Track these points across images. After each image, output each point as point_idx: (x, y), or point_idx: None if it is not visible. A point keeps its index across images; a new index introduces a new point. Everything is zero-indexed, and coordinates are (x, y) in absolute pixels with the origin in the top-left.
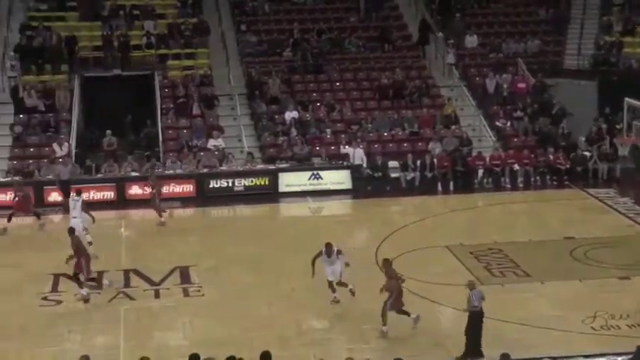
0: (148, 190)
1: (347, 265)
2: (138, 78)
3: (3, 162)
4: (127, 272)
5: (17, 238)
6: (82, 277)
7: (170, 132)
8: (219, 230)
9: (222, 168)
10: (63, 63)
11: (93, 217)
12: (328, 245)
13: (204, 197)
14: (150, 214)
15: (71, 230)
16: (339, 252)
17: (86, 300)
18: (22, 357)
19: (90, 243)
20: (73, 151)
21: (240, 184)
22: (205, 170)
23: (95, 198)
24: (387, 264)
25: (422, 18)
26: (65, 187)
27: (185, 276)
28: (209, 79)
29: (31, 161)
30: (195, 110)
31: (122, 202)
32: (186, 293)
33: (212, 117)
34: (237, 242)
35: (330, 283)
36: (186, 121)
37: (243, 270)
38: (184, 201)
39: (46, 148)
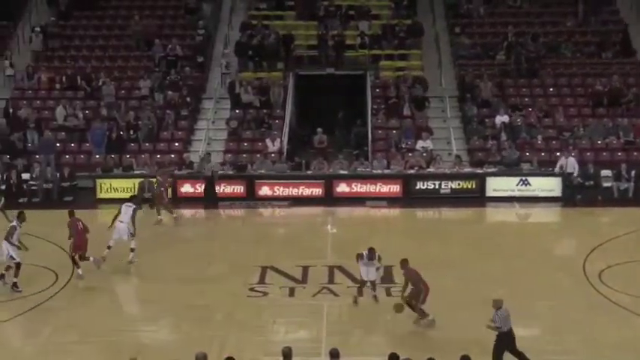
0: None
1: (378, 269)
2: (350, 77)
3: (218, 155)
4: (331, 268)
5: (221, 228)
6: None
7: (379, 132)
8: (423, 232)
9: (429, 170)
10: (279, 61)
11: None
12: (371, 250)
13: (410, 198)
14: (357, 212)
15: (71, 212)
16: (379, 257)
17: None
18: (226, 345)
19: (109, 247)
20: (285, 147)
21: (447, 186)
22: (412, 171)
23: (304, 194)
24: (404, 265)
25: None
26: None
27: (388, 275)
28: (421, 81)
29: (244, 155)
30: (406, 111)
31: (330, 199)
32: (388, 292)
33: (422, 118)
34: (441, 245)
35: (364, 283)
36: (396, 121)
37: (444, 273)
38: (390, 201)
39: (259, 143)
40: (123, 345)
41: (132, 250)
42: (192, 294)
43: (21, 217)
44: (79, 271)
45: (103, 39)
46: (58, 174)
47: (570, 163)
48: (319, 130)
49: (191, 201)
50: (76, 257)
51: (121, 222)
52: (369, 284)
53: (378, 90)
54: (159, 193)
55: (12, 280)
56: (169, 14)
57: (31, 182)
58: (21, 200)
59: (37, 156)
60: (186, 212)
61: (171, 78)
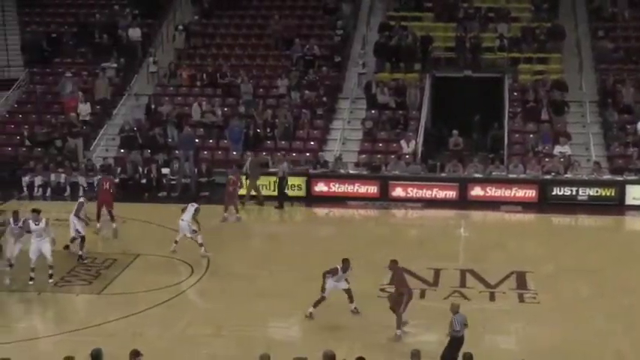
0: (232, 187)
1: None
2: (488, 80)
3: (353, 155)
4: (463, 272)
5: (354, 228)
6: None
7: (516, 135)
8: (559, 238)
9: (566, 175)
10: (416, 62)
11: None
12: (346, 261)
13: (546, 203)
14: (491, 216)
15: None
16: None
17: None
18: (355, 345)
19: (175, 242)
20: (420, 149)
21: (585, 193)
22: (549, 176)
23: (437, 196)
24: (393, 265)
25: None
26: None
27: (521, 281)
28: (560, 85)
29: (378, 156)
30: (544, 115)
31: (463, 202)
32: (521, 299)
33: (560, 123)
34: (578, 252)
35: (323, 299)
36: (534, 125)
37: (581, 280)
38: (525, 206)
39: (394, 144)
40: (254, 340)
41: (200, 245)
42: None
43: (87, 196)
44: (114, 224)
45: (243, 38)
46: (196, 169)
47: None
48: (455, 132)
49: (325, 200)
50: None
51: (182, 220)
52: (353, 307)
53: (516, 93)
54: (230, 192)
55: (78, 252)
56: (308, 14)
57: (171, 177)
58: (160, 194)
59: (177, 151)
60: (319, 211)
61: (308, 77)
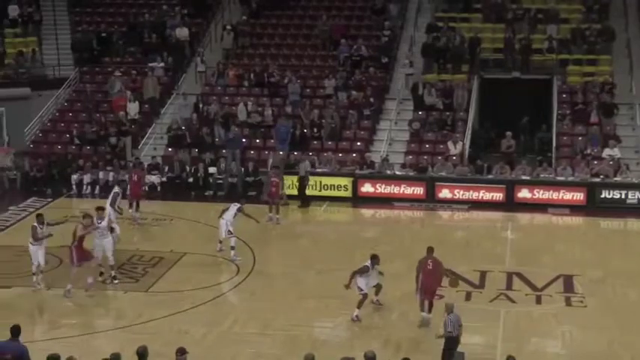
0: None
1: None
2: (536, 82)
3: (399, 156)
4: (509, 275)
5: (400, 229)
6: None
7: (565, 138)
8: (607, 241)
9: (615, 179)
10: (464, 63)
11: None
12: (376, 257)
13: (594, 207)
14: (538, 218)
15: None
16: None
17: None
18: (402, 345)
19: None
20: (467, 150)
21: (634, 196)
22: (598, 179)
23: (484, 198)
24: (429, 252)
25: None
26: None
27: (569, 285)
28: (610, 87)
29: (425, 157)
30: (593, 118)
31: (510, 204)
32: (568, 302)
33: (610, 125)
34: (626, 256)
35: (365, 297)
36: (583, 128)
37: (629, 284)
38: (573, 209)
39: (441, 146)
40: (300, 339)
41: (231, 248)
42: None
43: (121, 185)
44: (137, 214)
45: (291, 38)
46: (242, 169)
47: None
48: (508, 133)
49: (371, 201)
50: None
51: (222, 219)
52: (375, 299)
53: (564, 95)
54: (272, 192)
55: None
56: (356, 15)
57: (217, 176)
58: (207, 193)
59: (224, 151)
60: (366, 212)
61: (355, 78)
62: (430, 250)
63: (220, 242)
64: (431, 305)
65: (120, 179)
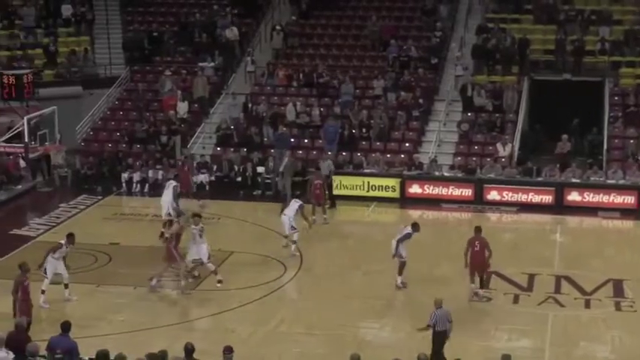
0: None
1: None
2: (587, 84)
3: (448, 157)
4: (558, 278)
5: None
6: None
7: (616, 141)
8: None
9: None
10: (514, 65)
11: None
12: (415, 225)
13: None
14: (588, 222)
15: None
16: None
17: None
18: (448, 348)
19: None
20: (516, 152)
21: None
22: None
23: (533, 201)
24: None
25: None
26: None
27: (618, 289)
28: None
29: (474, 158)
30: None
31: (560, 207)
32: (617, 307)
33: None
34: None
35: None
36: (635, 131)
37: None
38: (624, 212)
39: (490, 147)
40: (345, 340)
41: (293, 242)
42: (417, 294)
43: (177, 179)
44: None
45: (340, 38)
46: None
47: None
48: (564, 136)
49: (419, 202)
50: None
51: (284, 215)
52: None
53: (616, 98)
54: (317, 194)
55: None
56: (406, 15)
57: (266, 175)
58: (255, 192)
59: (272, 150)
60: (414, 213)
61: (404, 79)
62: (478, 229)
63: (286, 237)
64: (481, 280)
65: (175, 174)
